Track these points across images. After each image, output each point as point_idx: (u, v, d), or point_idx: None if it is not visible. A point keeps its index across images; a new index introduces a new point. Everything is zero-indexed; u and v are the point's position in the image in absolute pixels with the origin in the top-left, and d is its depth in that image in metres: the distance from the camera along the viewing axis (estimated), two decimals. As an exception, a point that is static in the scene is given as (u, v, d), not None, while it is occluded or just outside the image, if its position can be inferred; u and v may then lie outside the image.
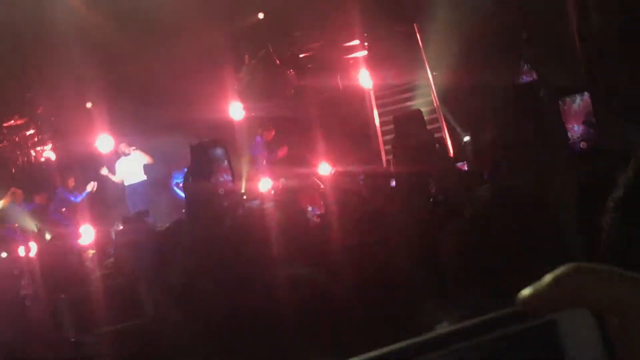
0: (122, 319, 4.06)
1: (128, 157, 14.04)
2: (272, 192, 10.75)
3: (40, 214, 13.44)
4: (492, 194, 2.69)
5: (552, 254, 2.44)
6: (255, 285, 2.78)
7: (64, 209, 13.72)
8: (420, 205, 4.76)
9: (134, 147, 14.06)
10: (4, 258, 11.00)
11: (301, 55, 15.78)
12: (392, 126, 14.03)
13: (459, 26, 12.44)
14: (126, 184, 14.08)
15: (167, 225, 8.95)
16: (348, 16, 15.26)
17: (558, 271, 0.62)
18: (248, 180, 12.06)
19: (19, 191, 13.30)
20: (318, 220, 6.31)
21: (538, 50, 11.34)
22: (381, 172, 9.51)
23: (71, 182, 13.95)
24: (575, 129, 5.17)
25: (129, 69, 14.28)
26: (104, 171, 14.05)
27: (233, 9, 15.69)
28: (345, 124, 14.04)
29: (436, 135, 11.96)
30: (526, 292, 0.62)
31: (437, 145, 8.10)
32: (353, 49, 15.54)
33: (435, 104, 14.12)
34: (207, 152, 7.37)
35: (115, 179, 14.12)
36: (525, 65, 11.24)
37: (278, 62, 15.54)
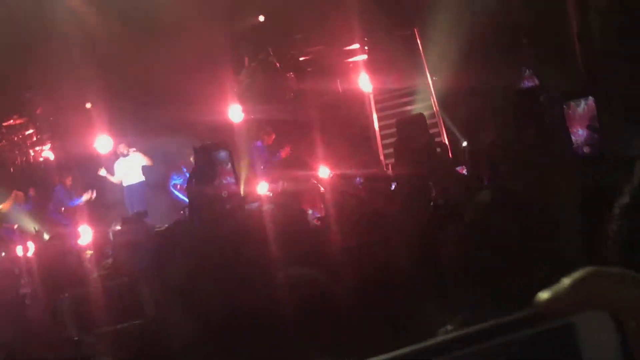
0: (121, 319, 4.05)
1: (126, 157, 14.04)
2: (272, 195, 10.75)
3: (39, 214, 13.45)
4: (493, 198, 2.70)
5: (552, 257, 2.44)
6: (256, 286, 2.79)
7: (62, 209, 13.72)
8: (420, 209, 4.77)
9: (133, 149, 14.07)
10: (2, 258, 11.00)
11: (301, 59, 15.79)
12: (391, 130, 14.09)
13: (459, 31, 12.46)
14: (124, 184, 14.09)
15: (167, 226, 8.95)
16: (348, 20, 15.28)
17: (577, 274, 0.62)
18: (247, 183, 12.05)
19: (21, 193, 13.34)
20: (318, 223, 6.32)
21: (539, 55, 11.35)
22: (381, 175, 9.50)
23: (69, 181, 13.94)
24: (580, 133, 5.17)
25: (129, 70, 14.28)
26: (102, 172, 14.05)
27: (234, 11, 15.71)
28: (344, 128, 14.04)
29: (435, 139, 11.96)
30: (545, 294, 0.62)
31: (438, 149, 8.10)
32: (353, 52, 15.56)
33: (434, 109, 14.14)
34: (210, 155, 7.38)
35: (114, 179, 14.12)
36: (527, 71, 11.25)
37: (278, 65, 15.55)
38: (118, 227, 9.72)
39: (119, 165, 14.11)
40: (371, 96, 14.84)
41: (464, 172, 8.28)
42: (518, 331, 0.62)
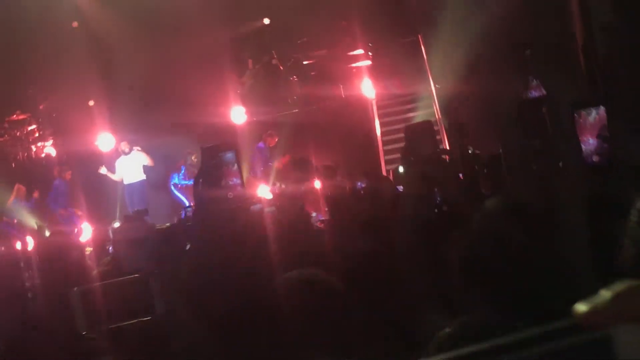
0: (121, 317, 4.05)
1: (128, 155, 14.04)
2: (274, 197, 10.75)
3: (41, 211, 13.45)
4: (500, 206, 2.71)
5: (560, 266, 2.45)
6: (260, 286, 2.80)
7: (60, 200, 13.71)
8: (424, 214, 4.77)
9: (138, 147, 14.07)
10: (1, 252, 10.98)
11: (305, 62, 15.78)
12: (393, 136, 14.12)
13: (464, 39, 12.47)
14: (125, 183, 14.08)
15: (168, 224, 8.97)
16: (353, 25, 15.29)
17: (616, 287, 0.63)
18: (249, 184, 12.06)
19: (23, 188, 13.34)
20: (321, 226, 6.33)
21: (545, 64, 11.35)
22: (382, 180, 9.51)
23: (68, 175, 13.93)
24: (590, 142, 5.18)
25: (133, 69, 14.30)
26: (103, 170, 14.05)
27: (239, 13, 15.72)
28: (346, 133, 14.05)
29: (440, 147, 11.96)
30: (583, 306, 0.63)
31: (444, 156, 8.13)
32: (357, 58, 15.55)
33: (437, 116, 14.16)
34: (218, 155, 7.38)
35: (115, 177, 14.12)
36: (534, 80, 11.25)
37: (281, 68, 15.55)
38: (118, 225, 9.73)
39: (120, 163, 14.11)
40: (374, 102, 14.85)
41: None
42: (555, 341, 0.62)
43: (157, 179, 14.42)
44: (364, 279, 3.84)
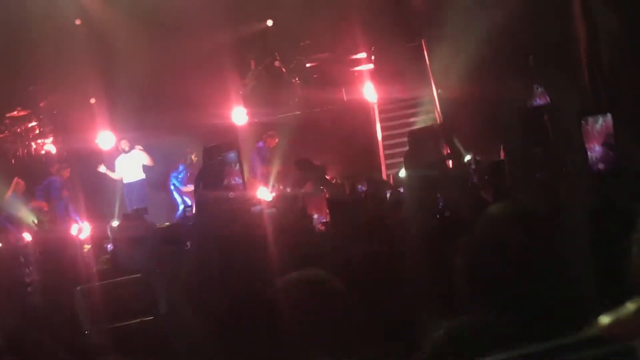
0: (124, 316, 4.04)
1: (128, 154, 14.03)
2: (275, 198, 10.75)
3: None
4: (502, 212, 2.69)
5: (564, 273, 2.44)
6: (260, 286, 2.79)
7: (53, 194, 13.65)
8: (426, 219, 4.77)
9: (139, 147, 14.05)
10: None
11: (307, 65, 15.78)
12: (395, 141, 14.11)
13: (467, 44, 12.46)
14: (124, 181, 14.06)
15: (168, 224, 8.97)
16: (356, 29, 15.30)
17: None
18: (249, 184, 12.05)
19: (22, 182, 13.29)
20: (323, 228, 6.32)
21: (548, 71, 11.33)
22: (383, 184, 9.52)
23: (67, 173, 13.89)
24: (596, 150, 5.17)
25: (135, 68, 14.28)
26: (102, 169, 14.03)
27: (242, 14, 15.73)
28: (347, 136, 14.06)
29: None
30: (607, 318, 0.62)
31: (448, 162, 8.13)
32: (359, 61, 15.56)
33: (438, 121, 14.14)
34: (220, 155, 7.37)
35: (114, 176, 14.10)
36: (539, 88, 11.22)
37: (284, 70, 15.56)
38: (116, 223, 9.72)
39: (120, 162, 14.09)
40: (375, 106, 14.85)
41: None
42: (579, 352, 0.61)
43: (157, 179, 14.39)
44: (365, 280, 3.84)
